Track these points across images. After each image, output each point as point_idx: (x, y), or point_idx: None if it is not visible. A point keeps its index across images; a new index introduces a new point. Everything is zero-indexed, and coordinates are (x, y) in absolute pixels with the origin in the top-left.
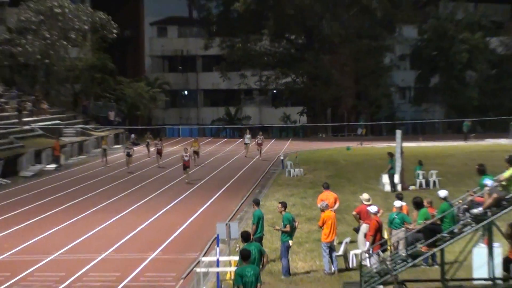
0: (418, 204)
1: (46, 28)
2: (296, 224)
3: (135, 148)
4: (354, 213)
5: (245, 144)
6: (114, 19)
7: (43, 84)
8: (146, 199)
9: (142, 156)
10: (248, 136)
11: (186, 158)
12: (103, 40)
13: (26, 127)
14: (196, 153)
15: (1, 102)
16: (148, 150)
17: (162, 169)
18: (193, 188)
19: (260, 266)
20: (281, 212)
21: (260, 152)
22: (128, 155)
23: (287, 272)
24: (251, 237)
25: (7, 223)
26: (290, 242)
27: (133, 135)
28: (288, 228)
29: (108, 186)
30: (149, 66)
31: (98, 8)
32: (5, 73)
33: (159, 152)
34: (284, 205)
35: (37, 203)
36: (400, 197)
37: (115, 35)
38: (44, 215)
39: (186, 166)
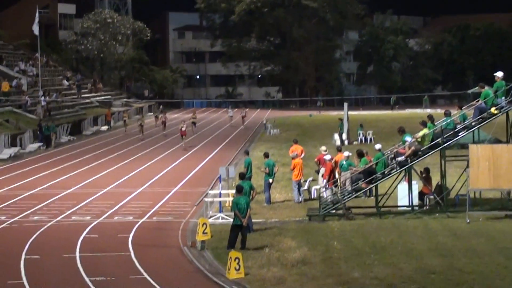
0: (360, 154)
1: (101, 32)
2: (276, 169)
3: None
4: (315, 160)
5: (230, 116)
6: (148, 26)
7: (98, 71)
8: (168, 151)
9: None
10: (230, 110)
11: (183, 129)
12: (140, 41)
13: (87, 100)
14: (194, 123)
15: (69, 83)
16: (156, 121)
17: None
18: (202, 143)
19: (250, 198)
20: (265, 160)
21: (243, 123)
22: (141, 125)
23: (269, 201)
24: (245, 176)
25: (74, 167)
26: (270, 180)
27: (161, 106)
28: (267, 170)
29: (143, 142)
30: (172, 58)
31: (137, 18)
32: (73, 63)
33: (163, 123)
34: (266, 154)
35: (94, 153)
36: (339, 149)
37: (148, 37)
38: (99, 161)
39: (182, 135)
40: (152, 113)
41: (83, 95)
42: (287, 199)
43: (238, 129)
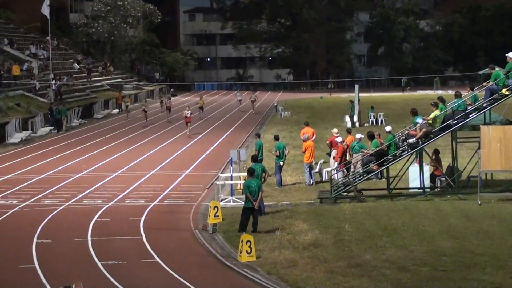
0: (371, 136)
1: (111, 15)
2: (287, 151)
3: (172, 98)
4: (327, 142)
5: (238, 100)
6: (159, 8)
7: (109, 54)
8: (179, 134)
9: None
10: (238, 94)
11: (188, 115)
12: (151, 23)
13: (98, 84)
14: (201, 108)
15: (80, 67)
16: (161, 106)
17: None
18: (213, 126)
19: (262, 180)
20: (275, 143)
21: (253, 107)
22: (145, 111)
23: (280, 184)
24: (257, 159)
25: (85, 150)
26: (281, 162)
27: (172, 89)
28: (277, 153)
29: (153, 125)
30: (183, 41)
31: (147, 1)
32: (83, 46)
33: (168, 108)
34: (276, 137)
35: (105, 137)
36: (349, 131)
37: (159, 19)
38: (110, 145)
39: (187, 122)
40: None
41: (93, 78)
42: (299, 181)
43: (247, 114)
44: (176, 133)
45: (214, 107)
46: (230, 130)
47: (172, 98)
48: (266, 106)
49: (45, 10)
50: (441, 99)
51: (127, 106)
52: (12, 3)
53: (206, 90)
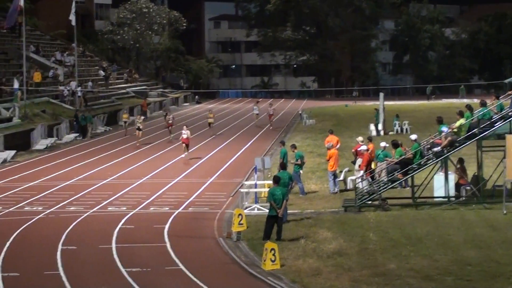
0: (395, 145)
1: (137, 22)
2: (304, 160)
3: (197, 106)
4: (352, 150)
5: (255, 114)
6: (184, 16)
7: (134, 61)
8: (203, 142)
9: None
10: (255, 107)
11: (185, 136)
12: (176, 30)
13: (122, 90)
14: (210, 124)
15: (105, 74)
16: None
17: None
18: (237, 134)
19: (289, 187)
20: (293, 151)
21: (271, 122)
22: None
23: (303, 192)
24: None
25: (110, 157)
26: (301, 171)
27: (197, 96)
28: (300, 162)
29: (177, 133)
30: (208, 48)
31: (173, 8)
32: (109, 53)
33: (170, 126)
34: (293, 146)
35: (130, 144)
36: (370, 139)
37: (184, 27)
38: (134, 152)
39: (186, 144)
40: (188, 103)
41: (119, 86)
42: (323, 190)
43: (279, 115)
44: (199, 141)
45: (227, 121)
46: (254, 138)
47: (197, 105)
48: (291, 114)
49: (72, 17)
50: (469, 107)
51: (125, 122)
52: (38, 10)
53: (230, 98)
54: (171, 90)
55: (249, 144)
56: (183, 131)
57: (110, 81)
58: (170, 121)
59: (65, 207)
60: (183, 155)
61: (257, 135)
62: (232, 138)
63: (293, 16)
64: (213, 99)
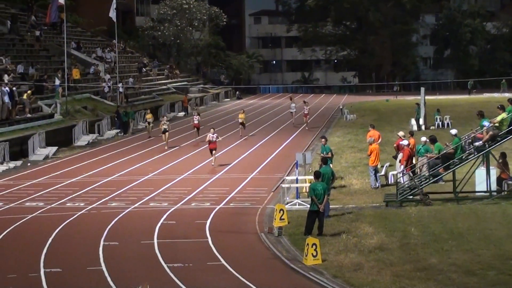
0: (432, 140)
1: (177, 18)
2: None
3: (237, 101)
4: (394, 145)
5: (291, 112)
6: (224, 11)
7: (175, 57)
8: (244, 138)
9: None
10: (293, 105)
11: (213, 139)
12: (216, 26)
13: (164, 86)
14: (242, 124)
15: (146, 69)
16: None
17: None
18: (278, 130)
19: (331, 183)
20: (324, 144)
21: (307, 122)
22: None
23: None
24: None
25: (151, 153)
26: (331, 165)
27: (238, 92)
28: (329, 155)
29: (220, 128)
30: (249, 44)
31: (213, 4)
32: (149, 49)
33: (196, 127)
34: (324, 138)
35: (172, 139)
36: (411, 134)
37: (225, 22)
38: (176, 147)
39: (212, 149)
40: (229, 99)
41: (160, 81)
42: (364, 185)
43: (320, 110)
44: (238, 137)
45: (268, 117)
46: (295, 133)
47: (237, 101)
48: (332, 109)
49: (112, 14)
50: (511, 101)
51: (149, 123)
52: (79, 7)
53: (271, 93)
54: (212, 86)
55: (290, 139)
56: (210, 135)
57: (146, 77)
58: (196, 122)
59: (107, 203)
60: (211, 161)
61: (298, 131)
62: (273, 133)
63: (333, 11)
64: (254, 94)
